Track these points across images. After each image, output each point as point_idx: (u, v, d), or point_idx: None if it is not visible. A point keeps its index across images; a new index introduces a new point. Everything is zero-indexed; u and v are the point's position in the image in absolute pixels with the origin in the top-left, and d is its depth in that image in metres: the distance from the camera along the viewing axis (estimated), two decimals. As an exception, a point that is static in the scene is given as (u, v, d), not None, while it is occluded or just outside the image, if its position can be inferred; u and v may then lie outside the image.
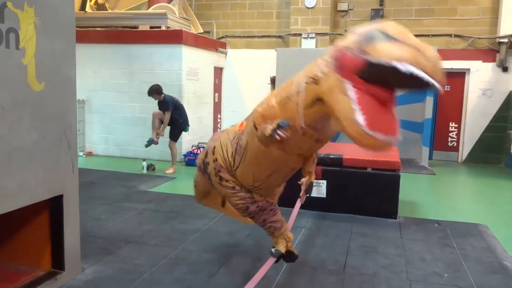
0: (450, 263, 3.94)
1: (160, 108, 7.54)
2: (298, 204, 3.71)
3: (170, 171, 7.69)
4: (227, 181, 2.97)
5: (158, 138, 7.57)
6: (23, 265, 3.29)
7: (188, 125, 7.84)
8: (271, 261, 3.07)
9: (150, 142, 7.53)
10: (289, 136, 2.46)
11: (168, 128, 7.65)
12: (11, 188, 2.77)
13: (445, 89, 9.52)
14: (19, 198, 2.85)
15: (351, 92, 2.04)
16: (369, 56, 1.96)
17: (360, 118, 2.01)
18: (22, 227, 3.28)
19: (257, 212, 3.00)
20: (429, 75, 1.87)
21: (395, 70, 1.89)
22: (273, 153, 2.64)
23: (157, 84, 7.47)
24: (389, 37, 1.97)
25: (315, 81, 2.24)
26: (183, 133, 8.19)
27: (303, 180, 3.20)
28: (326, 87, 2.17)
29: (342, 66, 2.08)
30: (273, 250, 3.10)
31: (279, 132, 2.44)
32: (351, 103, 2.04)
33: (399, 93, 2.13)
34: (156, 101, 7.53)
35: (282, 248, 3.10)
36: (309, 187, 3.21)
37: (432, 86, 1.89)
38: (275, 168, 2.79)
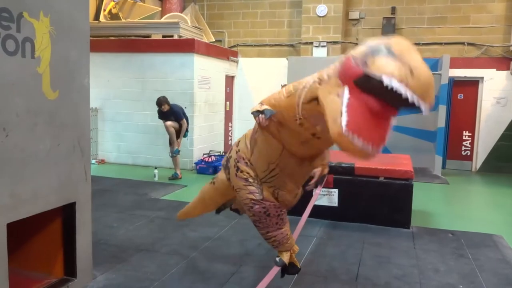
0: (465, 274, 3.87)
1: (163, 117, 7.63)
2: (306, 212, 3.70)
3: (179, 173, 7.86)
4: (242, 171, 3.02)
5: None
6: (36, 272, 3.31)
7: (188, 131, 7.97)
8: (274, 270, 3.06)
9: (177, 152, 7.74)
10: (265, 124, 2.74)
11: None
12: (25, 195, 2.80)
13: (459, 97, 9.49)
14: (32, 205, 2.88)
15: (345, 95, 2.14)
16: (367, 68, 2.06)
17: (343, 119, 2.08)
18: (35, 234, 3.31)
19: (262, 216, 2.97)
20: (416, 96, 1.94)
21: (382, 85, 1.98)
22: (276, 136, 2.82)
23: (163, 96, 7.60)
24: (391, 53, 2.05)
25: (320, 82, 2.39)
26: (194, 140, 8.25)
27: (316, 170, 3.20)
28: (325, 90, 2.31)
29: (344, 72, 2.21)
30: (277, 259, 3.10)
31: (260, 116, 2.70)
32: (340, 105, 2.13)
33: (397, 110, 2.16)
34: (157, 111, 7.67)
35: (286, 259, 3.09)
36: (321, 178, 3.22)
37: (416, 105, 1.94)
38: (282, 148, 2.86)
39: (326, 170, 3.28)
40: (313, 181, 3.26)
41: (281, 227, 3.05)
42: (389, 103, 2.09)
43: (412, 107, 2.02)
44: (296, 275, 3.56)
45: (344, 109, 2.10)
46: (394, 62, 2.00)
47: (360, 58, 2.15)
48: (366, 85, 2.09)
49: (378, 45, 2.12)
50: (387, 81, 1.97)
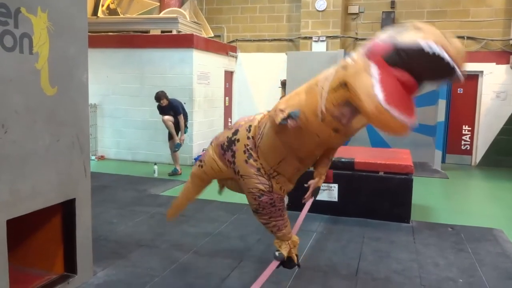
0: (465, 268, 3.88)
1: (162, 112, 7.59)
2: (306, 207, 3.68)
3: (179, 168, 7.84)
4: (255, 160, 2.89)
5: (183, 141, 7.75)
6: (36, 268, 3.31)
7: (187, 127, 7.93)
8: (274, 264, 3.05)
9: (179, 146, 7.69)
10: (296, 126, 2.55)
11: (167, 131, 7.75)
12: (24, 192, 2.79)
13: (458, 92, 9.48)
14: (32, 201, 2.87)
15: (375, 71, 2.13)
16: (397, 41, 2.10)
17: (379, 92, 2.08)
18: (35, 231, 3.31)
19: (267, 205, 2.93)
20: (452, 59, 1.97)
21: (419, 52, 2.01)
22: (284, 140, 2.74)
23: (162, 90, 7.56)
24: (418, 28, 2.10)
25: (344, 67, 2.35)
26: (194, 136, 8.20)
27: (312, 181, 3.17)
28: (352, 71, 2.27)
29: (372, 51, 2.21)
30: (276, 253, 3.08)
31: (289, 121, 2.55)
32: (372, 80, 2.12)
33: (422, 84, 2.20)
34: (156, 106, 7.64)
35: (285, 252, 3.08)
36: (316, 190, 3.19)
37: (454, 71, 1.99)
38: (286, 155, 2.80)
39: (321, 183, 3.18)
40: (308, 193, 3.19)
41: (284, 214, 3.04)
42: (418, 75, 2.12)
43: (442, 75, 2.09)
44: (296, 269, 3.56)
45: (376, 84, 2.10)
46: (425, 32, 2.05)
47: (388, 37, 2.18)
48: (395, 59, 2.11)
49: (403, 25, 2.17)
50: (425, 44, 1.99)
